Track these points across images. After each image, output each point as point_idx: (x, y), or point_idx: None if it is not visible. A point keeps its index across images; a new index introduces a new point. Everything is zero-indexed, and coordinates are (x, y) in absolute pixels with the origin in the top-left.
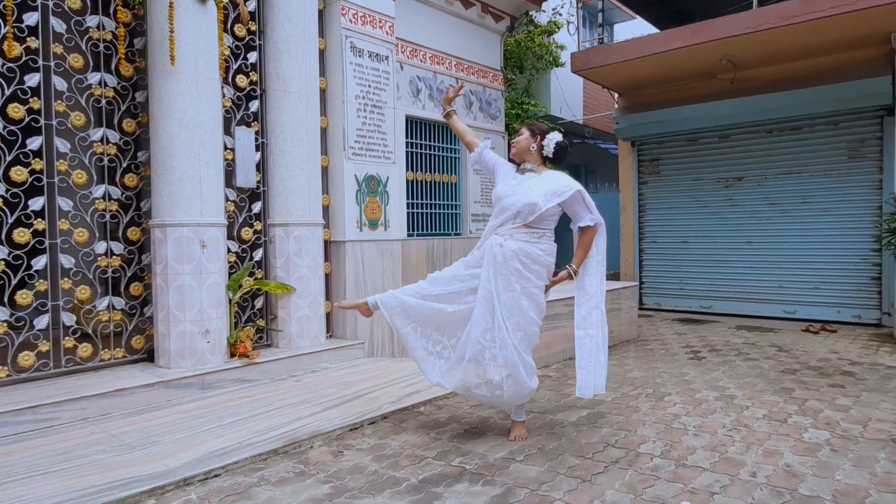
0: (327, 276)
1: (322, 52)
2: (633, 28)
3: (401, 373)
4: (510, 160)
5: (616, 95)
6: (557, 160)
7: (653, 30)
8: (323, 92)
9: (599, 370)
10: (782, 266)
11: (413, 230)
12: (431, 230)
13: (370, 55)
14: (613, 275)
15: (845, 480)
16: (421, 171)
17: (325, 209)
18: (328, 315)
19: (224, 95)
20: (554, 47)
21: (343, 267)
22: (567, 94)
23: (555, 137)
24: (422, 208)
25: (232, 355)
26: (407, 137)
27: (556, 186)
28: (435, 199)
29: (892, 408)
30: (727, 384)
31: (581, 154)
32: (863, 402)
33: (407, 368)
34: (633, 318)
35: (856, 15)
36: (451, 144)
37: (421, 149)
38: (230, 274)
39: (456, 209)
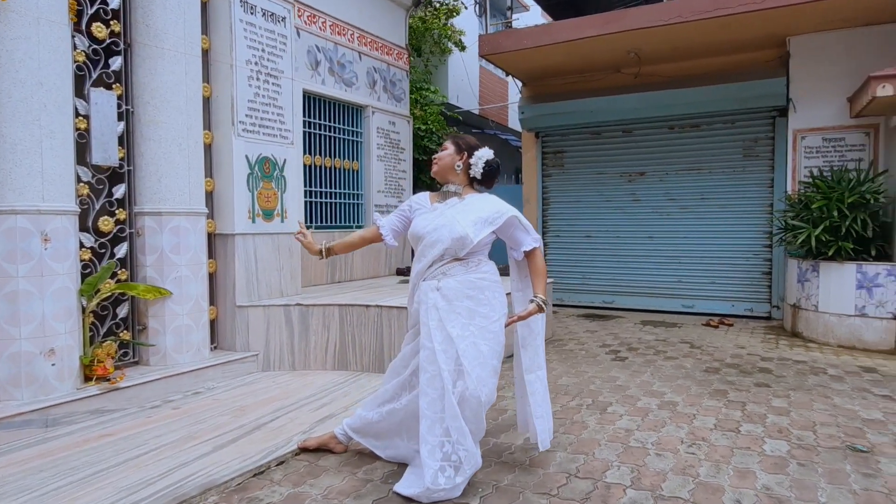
0: (212, 276)
1: (205, 5)
2: (527, 21)
3: (307, 389)
4: (432, 179)
5: (520, 84)
6: (486, 182)
7: (547, 21)
8: (206, 53)
9: (550, 413)
10: (681, 261)
11: (311, 222)
12: (331, 222)
13: (264, 14)
14: (504, 269)
15: (831, 503)
16: (319, 154)
17: (210, 195)
18: (213, 322)
19: (76, 47)
20: (450, 31)
21: (232, 265)
22: (462, 83)
23: (484, 155)
24: (320, 197)
25: (87, 379)
26: (304, 116)
27: (487, 213)
28: (335, 188)
29: (824, 408)
30: (661, 388)
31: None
32: (795, 403)
33: (314, 383)
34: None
35: (759, 14)
36: (353, 126)
37: (319, 129)
38: (84, 276)
39: (358, 199)
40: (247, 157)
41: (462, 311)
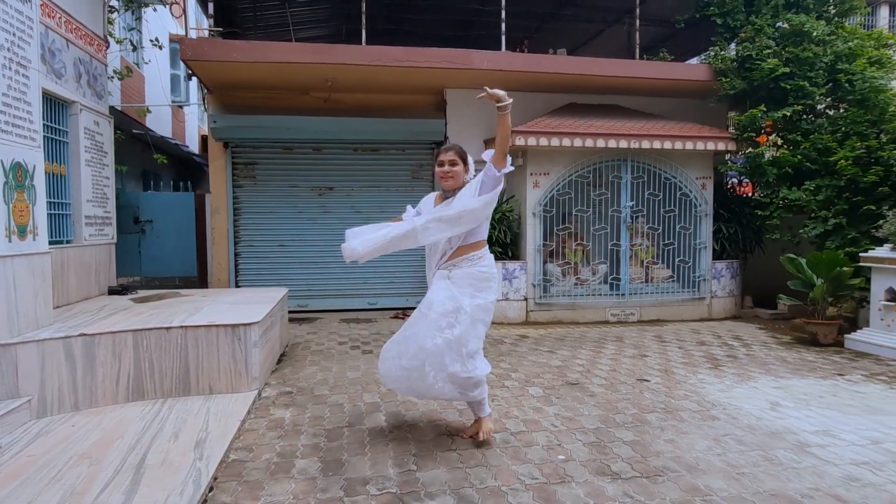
0: None
1: None
2: (164, 14)
3: (122, 431)
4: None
5: (205, 91)
6: None
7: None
8: None
9: None
10: (366, 265)
11: None
12: None
13: None
14: (188, 281)
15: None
16: None
17: None
18: None
19: None
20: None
21: None
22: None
23: (471, 160)
24: None
25: None
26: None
27: (470, 192)
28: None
29: (534, 361)
30: None
31: (145, 152)
32: (515, 360)
33: (128, 418)
34: (286, 322)
35: (429, 71)
36: (56, 124)
37: None
38: None
39: (66, 209)
40: (1, 161)
41: (466, 293)
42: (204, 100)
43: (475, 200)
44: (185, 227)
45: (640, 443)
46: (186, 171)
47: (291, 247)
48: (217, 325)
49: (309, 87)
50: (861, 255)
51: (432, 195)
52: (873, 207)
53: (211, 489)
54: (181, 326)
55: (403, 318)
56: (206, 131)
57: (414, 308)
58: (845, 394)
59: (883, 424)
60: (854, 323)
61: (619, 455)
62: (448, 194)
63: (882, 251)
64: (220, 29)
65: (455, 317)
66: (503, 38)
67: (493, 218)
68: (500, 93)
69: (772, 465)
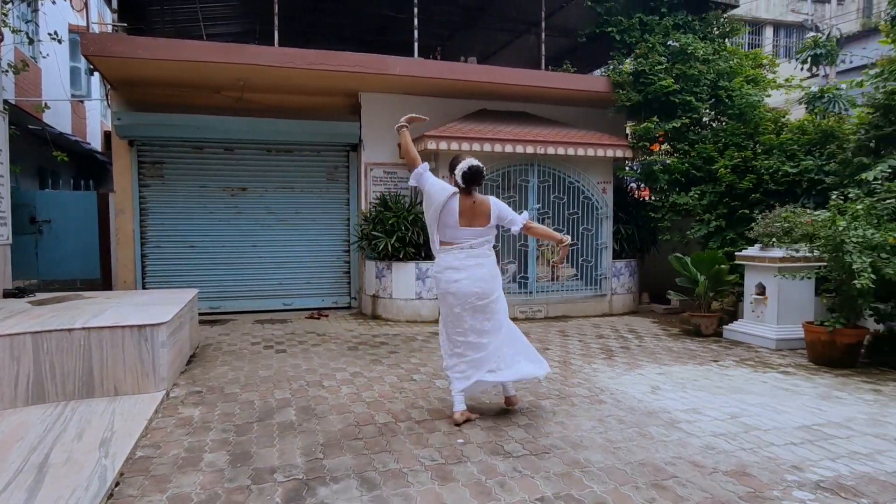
0: None
1: None
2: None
3: (22, 433)
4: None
5: (108, 87)
6: (470, 185)
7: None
8: None
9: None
10: (281, 266)
11: None
12: None
13: None
14: (91, 283)
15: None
16: None
17: None
18: None
19: None
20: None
21: None
22: None
23: (462, 166)
24: None
25: None
26: None
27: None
28: None
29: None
30: (339, 365)
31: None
32: (421, 356)
33: (29, 421)
34: (197, 324)
35: (343, 74)
36: None
37: None
38: None
39: None
40: None
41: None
42: (107, 95)
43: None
44: (87, 227)
45: (533, 426)
46: (88, 169)
47: (203, 248)
48: (123, 326)
49: (220, 86)
50: (737, 254)
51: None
52: (747, 211)
53: (117, 484)
54: (84, 328)
55: (319, 319)
56: (109, 127)
57: (330, 308)
58: (717, 377)
59: (743, 402)
60: (734, 315)
61: (513, 437)
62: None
63: (753, 250)
64: (125, 24)
65: None
66: (416, 44)
67: (407, 220)
68: (568, 238)
69: (644, 440)
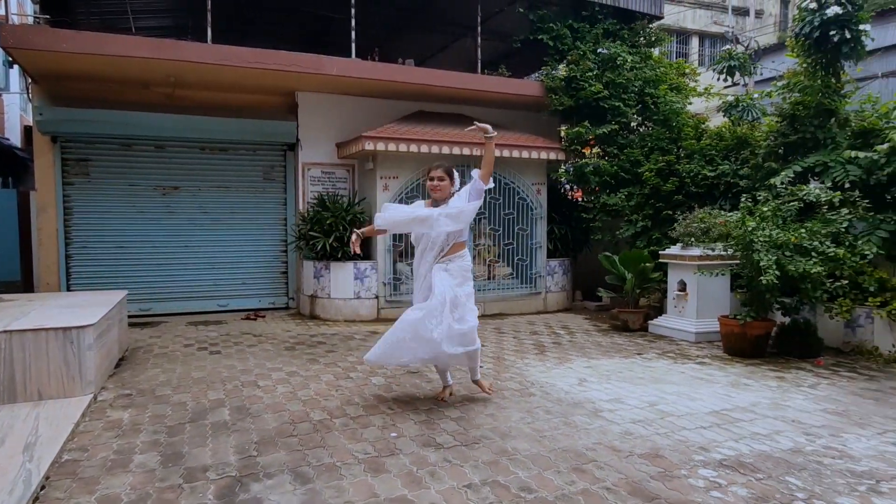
0: None
1: None
2: None
3: None
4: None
5: (29, 80)
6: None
7: None
8: None
9: None
10: (216, 266)
11: None
12: None
13: None
14: (10, 285)
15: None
16: None
17: None
18: None
19: None
20: None
21: None
22: None
23: (457, 175)
24: None
25: None
26: None
27: (460, 197)
28: None
29: None
30: (276, 364)
31: None
32: (359, 355)
33: None
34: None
35: (279, 73)
36: None
37: None
38: None
39: None
40: None
41: (457, 282)
42: (28, 89)
43: (468, 204)
44: (6, 226)
45: (464, 418)
46: (7, 166)
47: (132, 248)
48: (47, 329)
49: (150, 82)
50: (660, 252)
51: (421, 202)
52: (671, 212)
53: (43, 487)
54: (4, 331)
55: (255, 320)
56: (30, 122)
57: (267, 308)
58: (640, 369)
59: (662, 391)
60: (660, 311)
61: (445, 429)
62: (438, 203)
63: (675, 249)
64: (48, 16)
65: (455, 299)
66: (353, 45)
67: (345, 220)
68: (486, 126)
69: (569, 428)
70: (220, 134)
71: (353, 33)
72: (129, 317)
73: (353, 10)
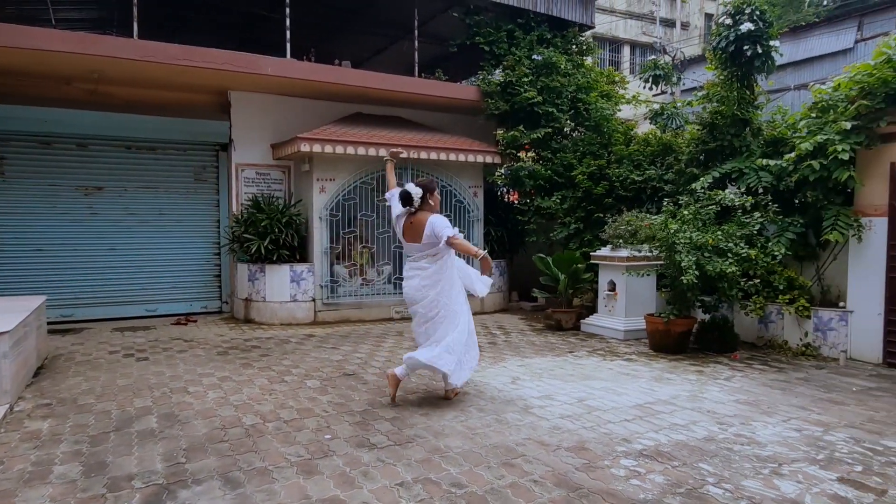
0: None
1: None
2: None
3: None
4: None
5: None
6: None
7: None
8: None
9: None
10: (144, 270)
11: None
12: None
13: None
14: None
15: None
16: None
17: None
18: None
19: None
20: None
21: None
22: None
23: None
24: None
25: None
26: None
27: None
28: None
29: (313, 358)
30: (206, 371)
31: None
32: (294, 358)
33: None
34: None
35: (209, 71)
36: None
37: None
38: None
39: None
40: None
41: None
42: None
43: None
44: None
45: (399, 418)
46: None
47: (52, 251)
48: None
49: (72, 78)
50: (591, 254)
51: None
52: (601, 215)
53: None
54: None
55: (186, 324)
56: None
57: (199, 313)
58: (570, 367)
59: (590, 387)
60: (593, 310)
61: (380, 430)
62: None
63: (605, 251)
64: None
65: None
66: (288, 45)
67: (280, 222)
68: (482, 253)
69: (500, 425)
70: (148, 132)
71: (287, 33)
72: (50, 323)
73: (287, 10)
